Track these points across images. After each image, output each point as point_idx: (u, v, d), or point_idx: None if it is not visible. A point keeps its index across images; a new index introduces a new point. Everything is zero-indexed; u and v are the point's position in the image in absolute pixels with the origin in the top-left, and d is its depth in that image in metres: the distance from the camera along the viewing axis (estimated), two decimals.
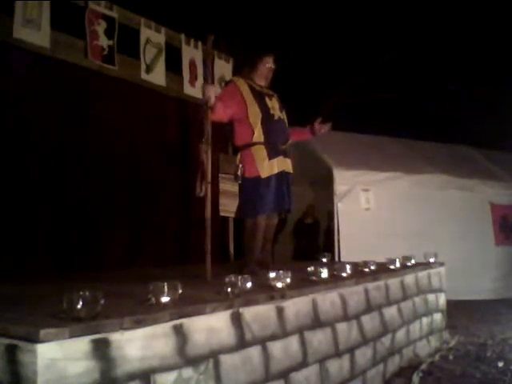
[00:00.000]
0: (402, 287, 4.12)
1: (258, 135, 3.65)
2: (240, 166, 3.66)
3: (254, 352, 2.39)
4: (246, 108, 3.66)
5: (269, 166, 3.65)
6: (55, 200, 4.40)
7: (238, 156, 3.72)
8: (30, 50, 4.24)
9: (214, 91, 3.54)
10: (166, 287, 2.12)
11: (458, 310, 5.71)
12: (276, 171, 3.68)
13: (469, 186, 7.61)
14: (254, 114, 3.65)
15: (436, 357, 4.19)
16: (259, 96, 3.74)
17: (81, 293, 1.78)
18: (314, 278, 3.14)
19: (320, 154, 7.17)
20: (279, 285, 2.73)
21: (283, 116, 3.86)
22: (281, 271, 2.78)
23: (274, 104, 3.80)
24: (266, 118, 3.69)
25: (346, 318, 3.19)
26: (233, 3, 9.47)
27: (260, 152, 3.65)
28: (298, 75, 10.88)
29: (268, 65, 3.86)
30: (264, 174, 3.62)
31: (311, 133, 4.11)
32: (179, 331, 2.04)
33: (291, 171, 3.87)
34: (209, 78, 3.66)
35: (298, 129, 4.17)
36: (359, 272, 3.70)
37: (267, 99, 3.77)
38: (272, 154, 3.67)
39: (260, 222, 3.69)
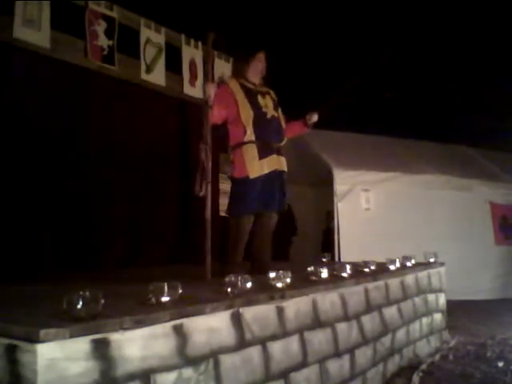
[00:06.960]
0: (402, 287, 4.12)
1: (250, 134, 3.60)
2: (232, 165, 3.65)
3: (254, 352, 2.39)
4: (238, 108, 3.61)
5: (258, 166, 3.59)
6: (55, 200, 4.41)
7: (231, 156, 3.70)
8: (29, 50, 4.24)
9: (214, 89, 3.52)
10: (166, 287, 2.12)
11: (458, 310, 5.71)
12: (266, 171, 3.61)
13: (468, 186, 7.61)
14: (246, 113, 3.60)
15: (436, 357, 4.18)
16: (251, 95, 3.68)
17: (81, 293, 1.77)
18: (313, 277, 3.14)
19: (320, 153, 7.17)
20: (279, 285, 2.73)
21: (277, 114, 3.79)
22: (281, 271, 2.78)
23: (267, 102, 3.74)
24: (258, 116, 3.63)
25: (346, 318, 3.19)
26: (233, 3, 9.46)
27: (250, 151, 3.59)
28: (298, 75, 10.87)
29: (260, 61, 3.80)
30: (253, 175, 3.57)
31: (304, 125, 4.04)
32: (179, 331, 2.03)
33: (285, 169, 3.79)
34: (210, 77, 3.63)
35: (291, 123, 4.04)
36: (359, 272, 3.69)
37: (260, 97, 3.72)
38: (263, 153, 3.61)
39: (244, 222, 3.65)
